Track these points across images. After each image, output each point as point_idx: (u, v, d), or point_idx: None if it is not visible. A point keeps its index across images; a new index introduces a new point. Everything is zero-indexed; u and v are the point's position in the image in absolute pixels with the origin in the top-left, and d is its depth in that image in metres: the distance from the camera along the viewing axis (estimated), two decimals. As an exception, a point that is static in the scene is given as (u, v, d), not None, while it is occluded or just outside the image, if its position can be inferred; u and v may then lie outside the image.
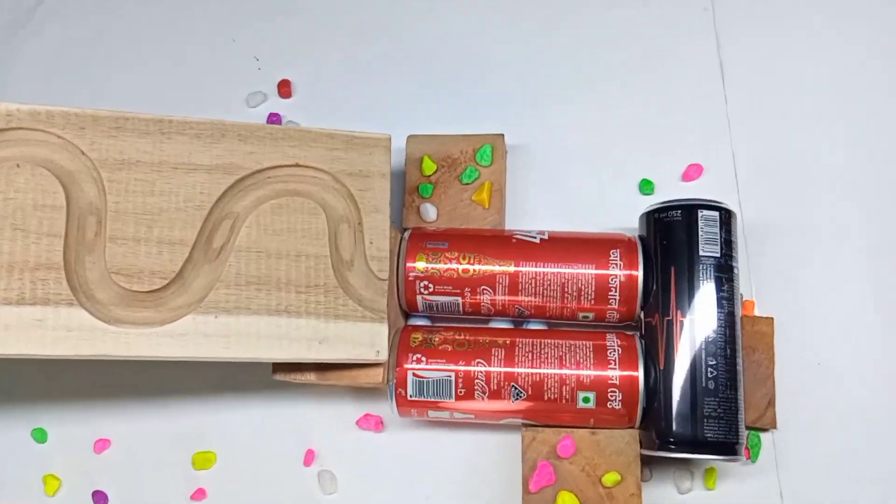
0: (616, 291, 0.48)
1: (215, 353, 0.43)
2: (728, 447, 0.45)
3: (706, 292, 0.46)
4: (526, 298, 0.49)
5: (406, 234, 0.51)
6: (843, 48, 0.56)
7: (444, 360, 0.47)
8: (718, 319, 0.46)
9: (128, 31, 0.63)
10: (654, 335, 0.47)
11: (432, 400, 0.47)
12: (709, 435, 0.44)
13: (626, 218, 0.53)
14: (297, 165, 0.47)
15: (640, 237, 0.50)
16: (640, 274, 0.48)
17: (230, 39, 0.62)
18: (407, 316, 0.53)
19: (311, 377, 0.47)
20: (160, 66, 0.61)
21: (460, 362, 0.47)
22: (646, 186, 0.55)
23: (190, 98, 0.60)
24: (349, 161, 0.48)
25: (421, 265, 0.49)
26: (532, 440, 0.46)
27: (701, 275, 0.46)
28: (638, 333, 0.49)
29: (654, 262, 0.48)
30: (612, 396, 0.46)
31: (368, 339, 0.46)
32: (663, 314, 0.47)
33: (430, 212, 0.53)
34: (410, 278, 0.50)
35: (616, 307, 0.49)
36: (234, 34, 0.62)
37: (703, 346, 0.45)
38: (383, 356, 0.46)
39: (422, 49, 0.60)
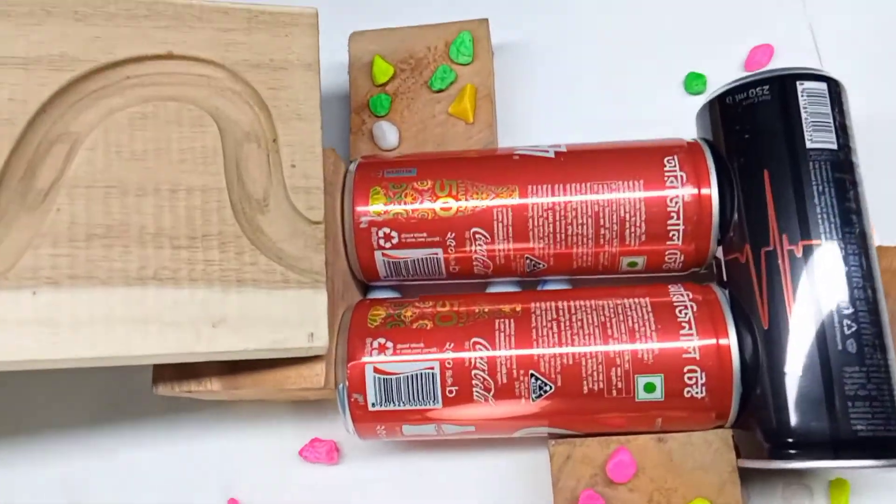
0: (679, 219, 0.32)
1: (35, 352, 0.27)
2: (890, 444, 0.28)
3: (825, 204, 0.30)
4: (540, 244, 0.33)
5: (353, 165, 0.34)
6: None
7: (421, 345, 0.32)
8: (849, 244, 0.30)
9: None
10: (745, 280, 0.31)
11: (407, 408, 0.32)
12: (859, 427, 0.28)
13: (669, 128, 0.38)
14: (170, 56, 0.31)
15: (705, 140, 0.33)
16: (713, 190, 0.32)
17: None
18: (365, 288, 0.37)
19: (213, 386, 0.32)
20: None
21: (447, 346, 0.32)
22: (694, 82, 0.41)
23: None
24: (253, 47, 0.32)
25: (378, 206, 0.33)
26: (566, 459, 0.32)
27: (813, 177, 0.30)
28: (715, 282, 0.33)
29: (732, 169, 0.32)
30: (690, 380, 0.30)
31: (297, 316, 0.30)
32: (758, 244, 0.31)
33: (388, 134, 0.37)
34: (363, 226, 0.33)
35: (680, 244, 0.33)
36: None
37: (833, 288, 0.29)
38: (321, 341, 0.30)
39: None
